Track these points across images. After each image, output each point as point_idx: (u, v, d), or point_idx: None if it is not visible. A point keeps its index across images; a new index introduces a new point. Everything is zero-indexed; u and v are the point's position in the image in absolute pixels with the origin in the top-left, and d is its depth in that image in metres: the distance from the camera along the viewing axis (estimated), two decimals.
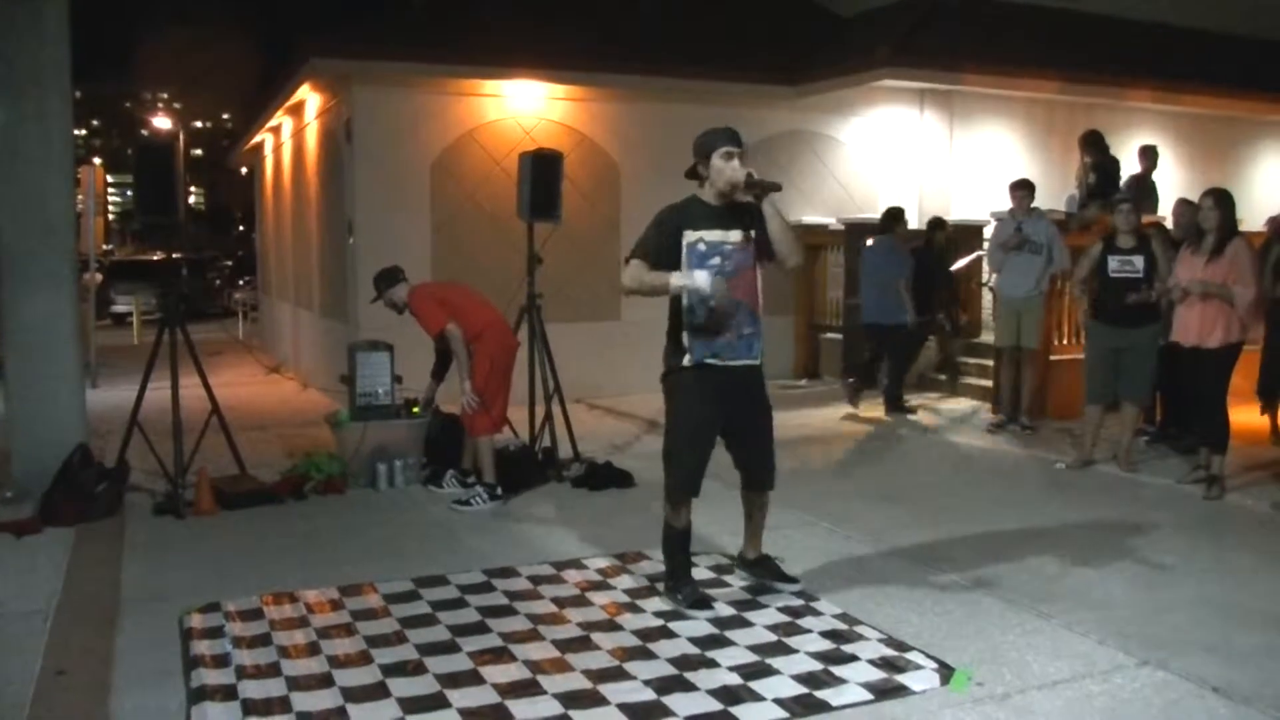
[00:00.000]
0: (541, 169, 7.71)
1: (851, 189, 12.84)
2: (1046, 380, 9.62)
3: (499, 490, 6.85)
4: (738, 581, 5.22)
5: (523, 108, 11.15)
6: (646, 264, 4.78)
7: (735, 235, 4.76)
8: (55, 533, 6.17)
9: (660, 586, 5.09)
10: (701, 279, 4.62)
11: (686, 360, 4.81)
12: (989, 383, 10.19)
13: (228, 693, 3.95)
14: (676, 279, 4.67)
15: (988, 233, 10.41)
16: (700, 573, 5.35)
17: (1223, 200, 6.95)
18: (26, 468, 6.83)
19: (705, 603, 4.88)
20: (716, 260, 4.71)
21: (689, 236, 4.74)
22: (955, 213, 12.50)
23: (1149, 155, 11.52)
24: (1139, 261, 7.43)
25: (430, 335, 6.96)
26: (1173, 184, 11.31)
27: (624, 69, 11.17)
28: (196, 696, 3.92)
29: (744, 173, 4.68)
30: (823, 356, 12.52)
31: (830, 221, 12.23)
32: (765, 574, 5.17)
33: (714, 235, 4.74)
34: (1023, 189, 9.17)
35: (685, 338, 4.80)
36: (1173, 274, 7.18)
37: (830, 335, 12.21)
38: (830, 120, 12.63)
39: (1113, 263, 7.53)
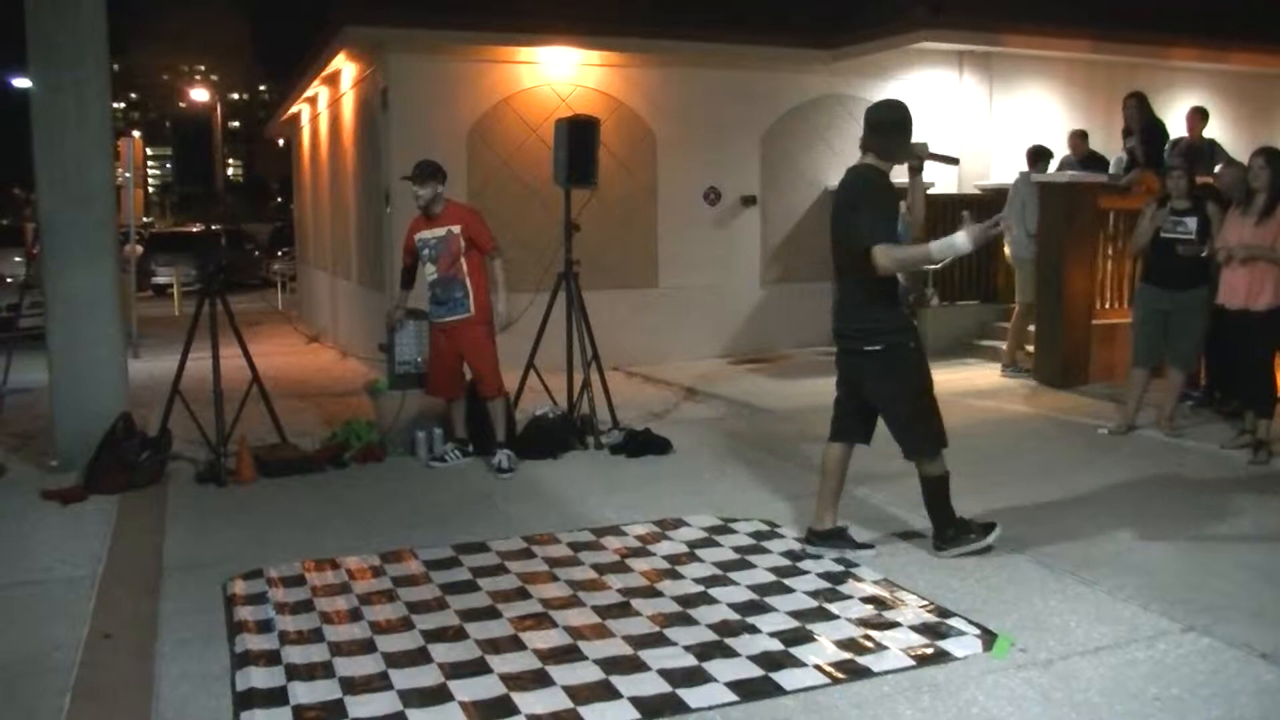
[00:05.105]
0: (578, 135, 7.68)
1: None
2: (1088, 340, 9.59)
3: (470, 447, 7.21)
4: (778, 547, 5.21)
5: (558, 74, 11.09)
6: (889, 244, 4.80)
7: (900, 206, 5.01)
8: (100, 500, 6.26)
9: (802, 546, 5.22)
10: (962, 240, 4.73)
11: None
12: (1028, 347, 10.11)
13: (271, 658, 3.99)
14: (938, 248, 4.82)
15: None
16: (739, 539, 5.35)
17: (1274, 159, 6.79)
18: (71, 437, 6.90)
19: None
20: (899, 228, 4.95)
21: (901, 207, 5.01)
22: (995, 177, 12.34)
23: (1196, 117, 11.23)
24: (1191, 223, 7.29)
25: (487, 249, 7.06)
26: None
27: (658, 34, 11.08)
28: (240, 661, 3.97)
29: (924, 143, 5.01)
30: None
31: None
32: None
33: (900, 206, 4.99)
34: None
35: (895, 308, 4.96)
36: (1220, 235, 7.06)
37: None
38: (867, 84, 12.45)
39: (1165, 224, 7.41)
